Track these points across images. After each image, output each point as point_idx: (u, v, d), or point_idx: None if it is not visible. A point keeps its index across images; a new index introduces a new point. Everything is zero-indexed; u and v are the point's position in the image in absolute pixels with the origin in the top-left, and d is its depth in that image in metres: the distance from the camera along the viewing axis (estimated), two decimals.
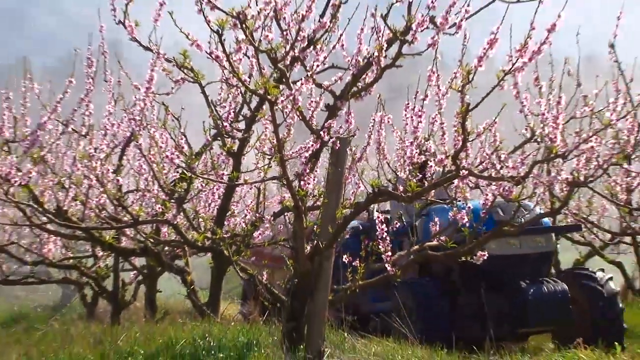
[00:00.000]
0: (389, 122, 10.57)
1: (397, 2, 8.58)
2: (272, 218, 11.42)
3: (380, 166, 10.70)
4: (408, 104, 10.00)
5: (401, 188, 10.49)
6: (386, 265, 9.91)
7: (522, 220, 11.21)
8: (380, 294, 12.94)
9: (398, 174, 10.40)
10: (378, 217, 10.23)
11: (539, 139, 9.38)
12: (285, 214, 11.31)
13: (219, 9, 8.51)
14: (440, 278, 12.24)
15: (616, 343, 11.17)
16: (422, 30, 8.51)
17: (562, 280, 12.31)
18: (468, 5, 8.26)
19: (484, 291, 11.57)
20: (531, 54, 8.35)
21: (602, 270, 13.60)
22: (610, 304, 11.84)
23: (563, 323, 11.68)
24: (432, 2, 8.33)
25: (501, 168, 9.50)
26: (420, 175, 10.67)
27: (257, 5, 8.67)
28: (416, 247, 10.38)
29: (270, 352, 8.37)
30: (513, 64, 8.49)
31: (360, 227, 13.88)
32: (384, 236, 9.94)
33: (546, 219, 12.58)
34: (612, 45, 10.05)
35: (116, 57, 11.93)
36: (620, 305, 12.32)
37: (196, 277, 11.46)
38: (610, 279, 12.83)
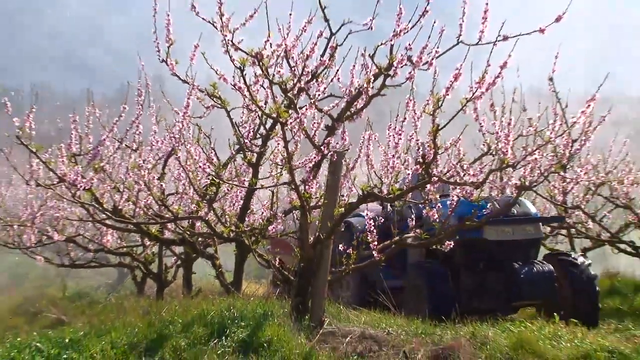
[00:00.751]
0: (375, 139, 10.64)
1: (381, 44, 8.66)
2: (283, 215, 11.50)
3: (368, 174, 10.76)
4: (390, 125, 10.09)
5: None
6: (373, 252, 9.99)
7: (515, 211, 11.63)
8: (392, 273, 12.82)
9: (383, 180, 10.38)
10: (367, 214, 10.27)
11: (493, 153, 9.53)
12: (294, 211, 11.44)
13: (241, 50, 8.63)
14: (443, 260, 12.03)
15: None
16: (401, 67, 8.60)
17: (547, 262, 12.29)
18: (437, 47, 8.39)
19: (481, 271, 11.64)
20: (487, 85, 8.46)
21: (584, 255, 13.49)
22: (589, 287, 11.83)
23: (549, 298, 11.62)
24: (409, 44, 8.45)
25: (464, 175, 9.66)
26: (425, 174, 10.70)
27: (271, 47, 8.81)
28: (396, 238, 10.39)
29: (281, 321, 8.38)
30: (473, 94, 8.59)
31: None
32: (372, 229, 10.02)
33: (535, 211, 12.60)
34: (551, 79, 10.13)
35: (160, 88, 12.05)
36: (597, 288, 12.17)
37: (223, 262, 11.50)
38: (589, 265, 12.66)
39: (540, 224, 12.46)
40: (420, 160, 9.17)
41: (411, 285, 11.99)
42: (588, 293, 11.72)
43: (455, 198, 10.27)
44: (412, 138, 10.03)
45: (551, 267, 11.67)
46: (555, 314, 10.31)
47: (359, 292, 13.00)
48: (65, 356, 7.16)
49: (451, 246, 10.40)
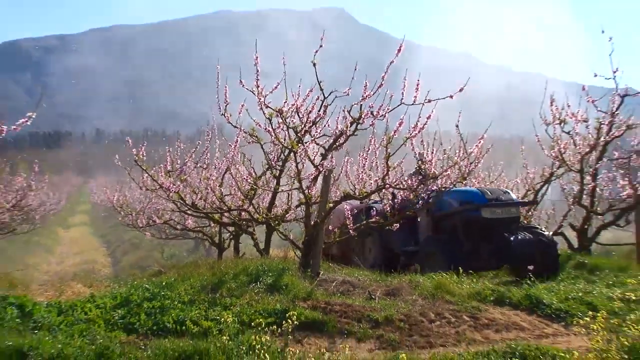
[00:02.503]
0: (351, 161, 10.67)
1: (354, 104, 8.67)
2: (295, 207, 11.53)
3: (347, 183, 10.76)
4: (360, 153, 10.11)
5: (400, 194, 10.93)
6: (350, 231, 10.00)
7: (502, 199, 10.72)
8: (407, 241, 11.53)
9: (356, 186, 10.33)
10: (345, 204, 10.22)
11: (424, 170, 9.54)
12: (302, 206, 11.44)
13: (269, 107, 8.67)
14: (448, 234, 10.93)
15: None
16: (366, 118, 8.64)
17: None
18: (388, 106, 8.40)
19: (477, 240, 10.49)
20: (419, 129, 8.49)
21: (546, 228, 12.35)
22: (552, 249, 10.75)
23: (531, 259, 10.22)
24: (371, 105, 8.46)
25: (404, 182, 9.68)
26: (421, 175, 10.61)
27: (287, 105, 8.83)
28: (365, 222, 10.35)
29: (293, 273, 8.38)
30: (411, 135, 8.64)
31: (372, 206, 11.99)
32: (349, 215, 10.04)
33: (516, 197, 11.92)
34: (457, 125, 10.13)
35: (221, 130, 12.09)
36: (558, 250, 11.09)
37: (258, 237, 11.48)
38: (553, 234, 12.00)
39: (519, 207, 11.64)
40: (380, 175, 9.19)
41: (427, 251, 10.86)
42: (551, 253, 10.66)
43: (399, 198, 10.24)
44: (373, 161, 10.06)
45: (530, 236, 10.57)
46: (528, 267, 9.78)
47: (382, 255, 11.79)
48: (162, 293, 7.17)
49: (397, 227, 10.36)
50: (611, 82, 11.48)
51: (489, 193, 10.68)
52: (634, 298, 5.34)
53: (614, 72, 11.27)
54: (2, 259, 24.70)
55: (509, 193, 11.21)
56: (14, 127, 7.46)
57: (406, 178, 9.75)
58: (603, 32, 10.79)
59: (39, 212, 31.14)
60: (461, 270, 9.20)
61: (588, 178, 12.59)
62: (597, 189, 12.76)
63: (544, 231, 11.02)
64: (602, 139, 12.25)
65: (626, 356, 3.99)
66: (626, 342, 4.02)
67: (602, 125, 12.19)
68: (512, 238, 10.28)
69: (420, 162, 11.02)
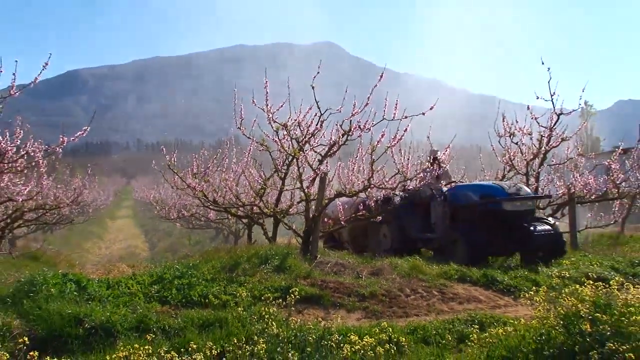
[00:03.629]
0: (342, 166, 10.64)
1: (345, 119, 8.67)
2: (297, 203, 11.50)
3: (340, 183, 10.72)
4: (350, 159, 10.10)
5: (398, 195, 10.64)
6: (342, 222, 9.97)
7: (520, 193, 9.61)
8: (423, 228, 10.56)
9: (346, 186, 10.28)
10: (338, 202, 10.11)
11: (400, 172, 9.50)
12: (302, 202, 11.41)
13: (276, 122, 8.66)
14: (468, 223, 9.82)
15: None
16: (355, 130, 8.64)
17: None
18: (373, 121, 8.40)
19: (495, 229, 9.40)
20: (397, 140, 8.49)
21: (556, 218, 11.32)
22: (560, 238, 9.69)
23: (547, 247, 9.36)
24: (359, 120, 8.46)
25: (386, 183, 9.64)
26: (434, 169, 10.14)
27: (290, 120, 8.82)
28: (353, 215, 10.28)
29: (296, 256, 8.32)
30: (391, 144, 8.63)
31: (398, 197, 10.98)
32: (341, 209, 9.98)
33: (529, 190, 10.23)
34: (428, 137, 10.12)
35: (236, 140, 12.07)
36: (564, 238, 9.91)
37: (267, 227, 11.44)
38: (556, 220, 10.63)
39: (534, 200, 10.45)
40: (366, 177, 9.16)
41: (448, 239, 9.90)
42: (560, 240, 9.63)
43: (381, 195, 10.15)
44: (360, 166, 10.03)
45: (548, 226, 9.56)
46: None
47: (398, 240, 10.69)
48: (189, 272, 7.14)
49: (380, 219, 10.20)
50: (549, 103, 11.58)
51: (508, 187, 9.73)
52: (568, 275, 5.33)
53: (552, 95, 11.39)
54: (63, 244, 24.65)
55: (523, 188, 10.02)
56: (73, 138, 7.47)
57: (387, 179, 9.64)
58: (543, 63, 10.80)
59: (92, 206, 31.06)
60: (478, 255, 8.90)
61: (532, 180, 12.63)
62: (539, 189, 12.78)
63: (551, 221, 10.02)
64: (543, 148, 12.35)
65: (562, 322, 3.99)
66: (562, 311, 4.02)
67: (542, 138, 12.29)
68: (531, 229, 9.36)
69: (432, 159, 10.72)
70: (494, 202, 9.51)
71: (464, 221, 9.94)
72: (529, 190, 10.12)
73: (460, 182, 11.44)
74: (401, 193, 10.59)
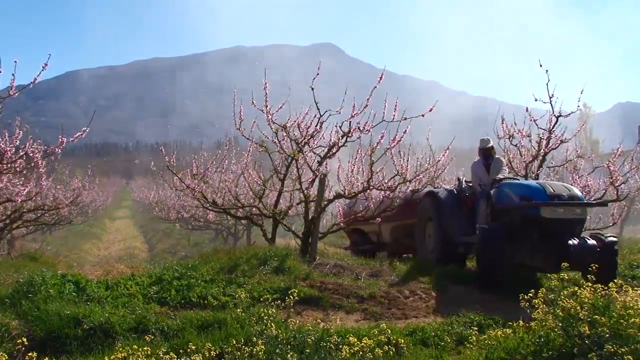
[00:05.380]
0: (342, 167, 10.63)
1: (345, 121, 8.68)
2: (296, 205, 11.49)
3: (339, 184, 10.72)
4: (350, 160, 10.10)
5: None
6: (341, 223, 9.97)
7: (565, 196, 7.64)
8: (467, 230, 8.54)
9: (345, 187, 10.26)
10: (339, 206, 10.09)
11: (400, 174, 9.50)
12: (302, 203, 11.41)
13: (276, 123, 8.67)
14: (506, 227, 7.77)
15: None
16: (355, 132, 8.64)
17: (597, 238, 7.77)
18: (372, 122, 8.40)
19: (534, 239, 7.70)
20: (397, 142, 8.50)
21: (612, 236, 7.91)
22: (612, 258, 7.36)
23: (588, 267, 5.51)
24: (358, 121, 8.48)
25: (385, 184, 9.64)
26: (486, 162, 8.83)
27: (290, 121, 8.82)
28: (351, 218, 10.26)
29: (295, 257, 8.32)
30: (391, 146, 8.64)
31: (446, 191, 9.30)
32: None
33: (581, 195, 8.17)
34: (427, 139, 10.12)
35: (236, 141, 12.06)
36: (617, 256, 7.62)
37: (266, 228, 11.43)
38: (615, 241, 7.69)
39: (586, 207, 8.26)
40: (365, 178, 9.15)
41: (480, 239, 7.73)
42: (609, 261, 7.23)
43: (382, 195, 10.12)
44: (360, 167, 10.03)
45: (593, 243, 7.48)
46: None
47: (440, 244, 8.83)
48: (189, 273, 7.13)
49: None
50: (548, 106, 11.58)
51: (552, 189, 7.81)
52: (566, 277, 5.33)
53: (550, 97, 11.36)
54: (62, 244, 24.60)
55: (572, 190, 8.00)
56: (72, 139, 7.47)
57: (386, 180, 9.62)
58: (541, 65, 10.80)
59: (91, 207, 31.09)
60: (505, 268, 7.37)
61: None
62: None
63: (606, 237, 7.80)
64: (542, 150, 12.33)
65: (560, 324, 3.99)
66: (560, 313, 4.02)
67: (541, 140, 12.25)
68: (570, 242, 7.41)
69: (486, 148, 9.02)
70: (532, 207, 7.65)
71: (500, 227, 7.87)
72: (579, 194, 8.01)
73: (515, 178, 9.31)
74: (447, 187, 9.44)
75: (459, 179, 9.26)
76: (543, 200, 7.53)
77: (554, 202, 7.54)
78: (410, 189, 10.07)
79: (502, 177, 8.51)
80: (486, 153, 8.96)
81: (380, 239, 11.08)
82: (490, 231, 7.61)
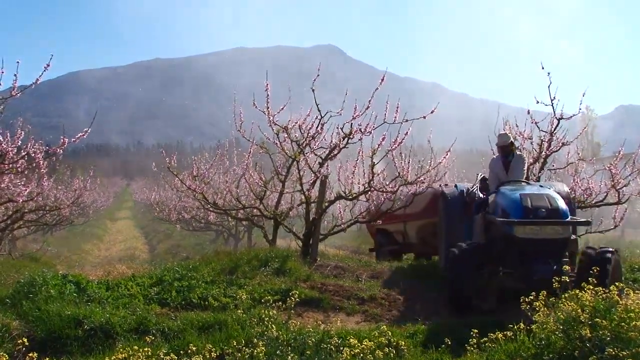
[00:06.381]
0: (343, 168, 10.62)
1: (346, 122, 8.68)
2: (297, 206, 11.49)
3: (339, 186, 10.70)
4: (351, 161, 10.08)
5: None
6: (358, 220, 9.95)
7: (543, 212, 6.28)
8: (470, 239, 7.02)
9: (346, 189, 10.21)
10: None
11: (401, 176, 9.47)
12: (303, 204, 11.41)
13: (277, 124, 8.68)
14: (489, 245, 6.77)
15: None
16: (356, 133, 8.64)
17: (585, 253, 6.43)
18: (374, 124, 8.40)
19: (512, 262, 6.39)
20: (398, 144, 8.50)
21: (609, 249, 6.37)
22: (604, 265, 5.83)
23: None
24: (359, 123, 8.48)
25: (386, 187, 9.63)
26: (505, 157, 7.66)
27: (291, 123, 8.82)
28: (352, 219, 10.25)
29: (296, 259, 8.33)
30: (392, 147, 8.64)
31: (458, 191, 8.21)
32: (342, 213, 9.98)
33: (565, 208, 6.49)
34: (429, 141, 10.07)
35: (237, 142, 12.07)
36: (609, 267, 6.02)
37: (267, 229, 11.43)
38: (610, 253, 6.22)
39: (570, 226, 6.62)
40: (366, 180, 9.15)
41: None
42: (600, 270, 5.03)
43: (383, 198, 10.07)
44: (361, 169, 10.00)
45: (565, 270, 5.45)
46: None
47: (447, 252, 7.04)
48: (189, 274, 7.13)
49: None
50: (550, 108, 11.57)
51: (529, 202, 6.38)
52: (567, 280, 5.30)
53: (552, 99, 11.35)
54: (63, 245, 24.61)
55: (556, 203, 6.45)
56: (74, 139, 7.47)
57: (388, 182, 9.57)
58: (543, 67, 10.79)
59: (92, 208, 31.13)
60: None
61: None
62: None
63: (598, 250, 6.41)
64: (543, 153, 12.32)
65: (561, 327, 3.99)
66: (561, 316, 4.02)
67: (543, 142, 12.25)
68: (543, 267, 6.04)
69: (505, 144, 7.75)
70: (507, 224, 6.44)
71: (472, 251, 6.60)
72: (562, 207, 6.46)
73: (536, 179, 7.72)
74: (466, 185, 8.39)
75: (480, 177, 8.17)
76: (517, 217, 6.35)
77: (527, 221, 6.28)
78: (412, 191, 9.98)
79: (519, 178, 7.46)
80: (505, 150, 7.74)
81: (406, 239, 9.89)
82: (460, 256, 6.45)
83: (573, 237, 6.77)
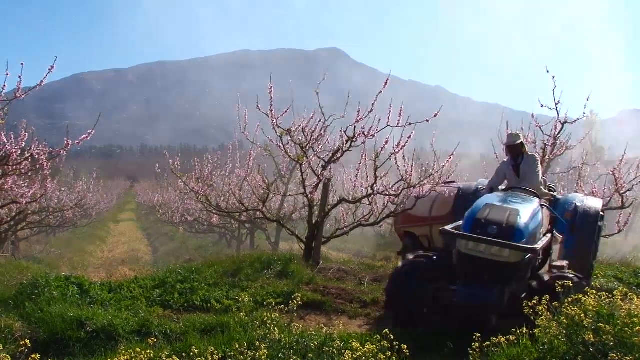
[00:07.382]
0: (346, 172, 10.62)
1: (349, 126, 8.67)
2: (300, 209, 11.49)
3: (342, 189, 10.70)
4: (354, 165, 10.07)
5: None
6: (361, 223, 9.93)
7: (493, 229, 5.21)
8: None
9: (350, 192, 10.23)
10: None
11: (404, 179, 9.44)
12: (305, 207, 11.40)
13: (280, 127, 8.66)
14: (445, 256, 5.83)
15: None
16: (359, 137, 8.64)
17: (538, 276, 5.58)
18: (377, 127, 8.40)
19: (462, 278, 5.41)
20: (401, 147, 8.48)
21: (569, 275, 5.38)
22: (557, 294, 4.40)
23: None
24: (363, 126, 8.47)
25: (390, 190, 9.61)
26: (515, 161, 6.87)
27: (294, 126, 8.82)
28: (355, 223, 10.20)
29: (298, 262, 8.35)
30: (395, 151, 8.63)
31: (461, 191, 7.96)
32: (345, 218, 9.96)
33: (524, 226, 5.31)
34: (432, 144, 10.04)
35: (240, 145, 12.09)
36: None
37: (270, 232, 11.43)
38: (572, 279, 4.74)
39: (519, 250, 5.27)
40: (369, 184, 9.14)
41: None
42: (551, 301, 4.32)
43: (386, 200, 10.05)
44: (364, 172, 10.00)
45: (492, 295, 5.06)
46: None
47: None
48: (192, 277, 7.14)
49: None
50: (554, 112, 11.54)
51: (484, 215, 5.44)
52: (570, 285, 5.27)
53: (556, 103, 11.34)
54: (66, 247, 24.63)
55: (515, 221, 5.34)
56: (77, 142, 7.50)
57: (391, 185, 9.54)
58: (548, 71, 10.78)
59: (95, 209, 31.13)
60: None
61: None
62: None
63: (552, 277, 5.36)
64: (546, 156, 12.32)
65: (564, 331, 3.98)
66: (564, 320, 4.01)
67: (546, 146, 12.25)
68: (464, 293, 5.20)
69: (514, 145, 6.91)
70: (453, 236, 5.54)
71: (414, 268, 5.88)
72: (520, 226, 5.33)
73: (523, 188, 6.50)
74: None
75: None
76: (465, 229, 5.46)
77: (467, 235, 5.37)
78: (414, 194, 9.91)
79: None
80: (515, 151, 6.93)
81: (432, 244, 8.61)
82: (400, 273, 5.85)
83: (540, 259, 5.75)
